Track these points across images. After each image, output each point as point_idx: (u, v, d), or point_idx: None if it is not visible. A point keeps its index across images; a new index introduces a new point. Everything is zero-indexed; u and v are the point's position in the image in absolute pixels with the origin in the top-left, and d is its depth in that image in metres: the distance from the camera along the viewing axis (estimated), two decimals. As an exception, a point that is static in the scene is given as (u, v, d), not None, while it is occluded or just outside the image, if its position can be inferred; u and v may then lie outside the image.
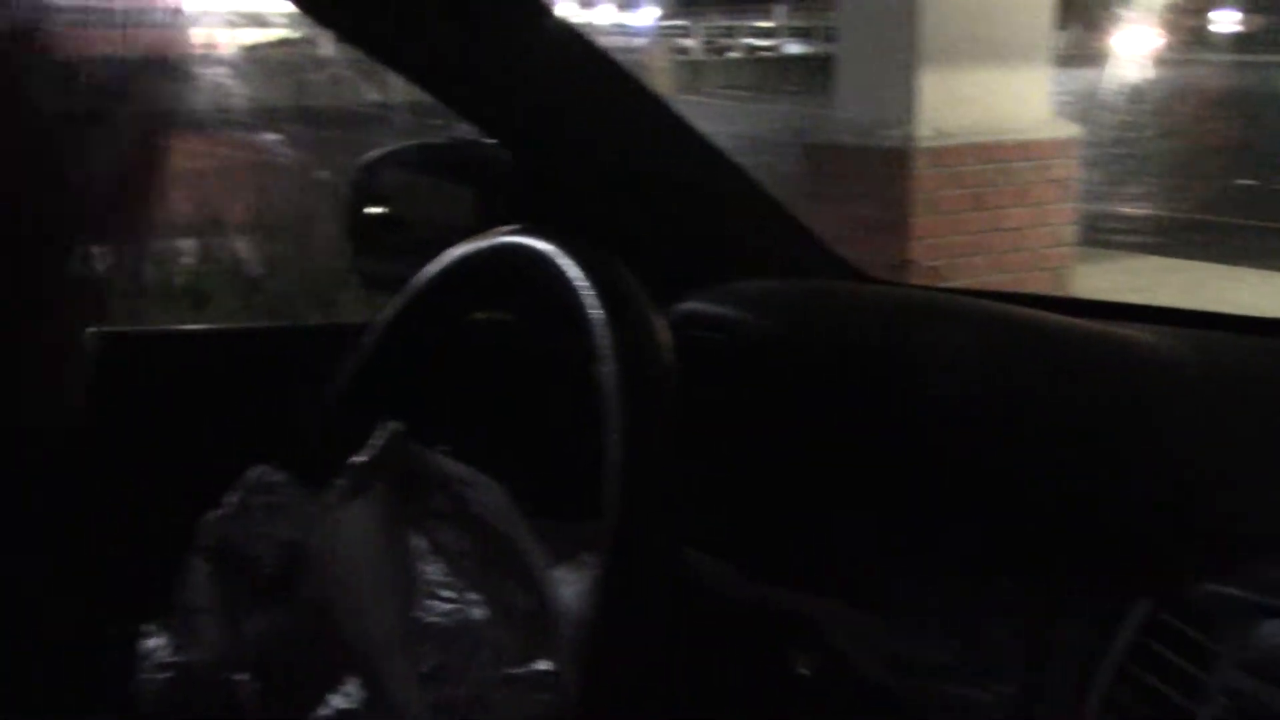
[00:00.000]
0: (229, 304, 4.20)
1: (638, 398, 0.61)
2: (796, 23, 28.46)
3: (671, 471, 0.60)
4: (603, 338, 0.63)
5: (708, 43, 26.56)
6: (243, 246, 4.72)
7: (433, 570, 0.66)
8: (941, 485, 0.81)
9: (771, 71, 24.48)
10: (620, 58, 1.15)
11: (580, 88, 1.08)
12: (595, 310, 0.65)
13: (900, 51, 4.91)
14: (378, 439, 0.70)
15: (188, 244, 4.77)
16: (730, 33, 27.48)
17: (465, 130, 1.21)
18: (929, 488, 0.82)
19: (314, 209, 4.75)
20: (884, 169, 4.98)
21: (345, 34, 1.03)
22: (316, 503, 0.73)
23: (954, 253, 5.02)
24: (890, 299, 0.95)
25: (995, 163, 5.10)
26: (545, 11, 1.06)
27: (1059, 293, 5.30)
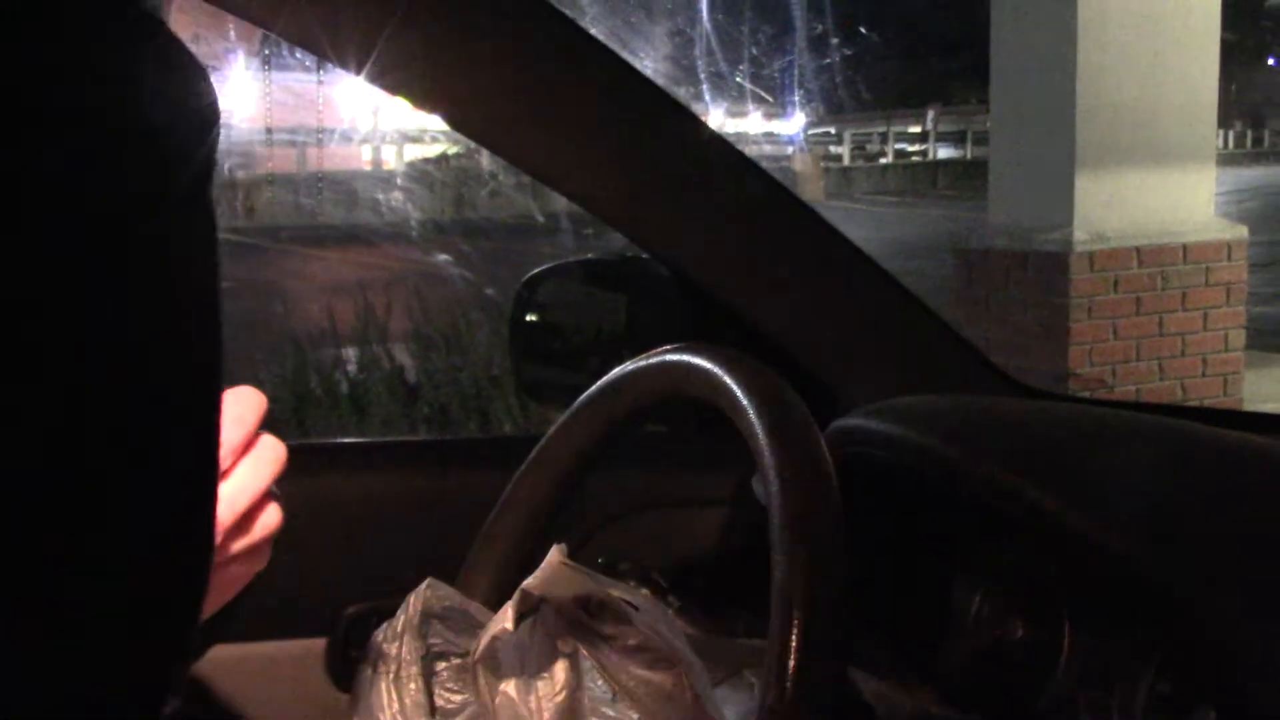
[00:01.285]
0: (387, 412, 4.33)
1: (804, 520, 0.61)
2: (946, 127, 28.43)
3: (838, 594, 0.60)
4: (767, 457, 0.64)
5: (857, 148, 26.68)
6: (402, 356, 4.88)
7: (598, 691, 0.67)
8: (1118, 609, 0.78)
9: (922, 176, 24.45)
10: (770, 165, 1.17)
11: (734, 202, 1.10)
12: (759, 429, 0.65)
13: (1057, 154, 4.86)
14: (548, 561, 0.72)
15: (349, 353, 4.95)
16: (880, 138, 27.57)
17: (620, 243, 1.24)
18: (1104, 611, 0.79)
19: (473, 320, 4.89)
20: (1040, 274, 4.89)
21: (503, 153, 1.08)
22: (485, 621, 0.75)
23: (1115, 359, 4.89)
24: (1059, 416, 0.93)
25: (1157, 266, 4.97)
26: (698, 124, 1.08)
27: (1227, 401, 5.10)
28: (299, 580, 0.81)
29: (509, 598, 0.89)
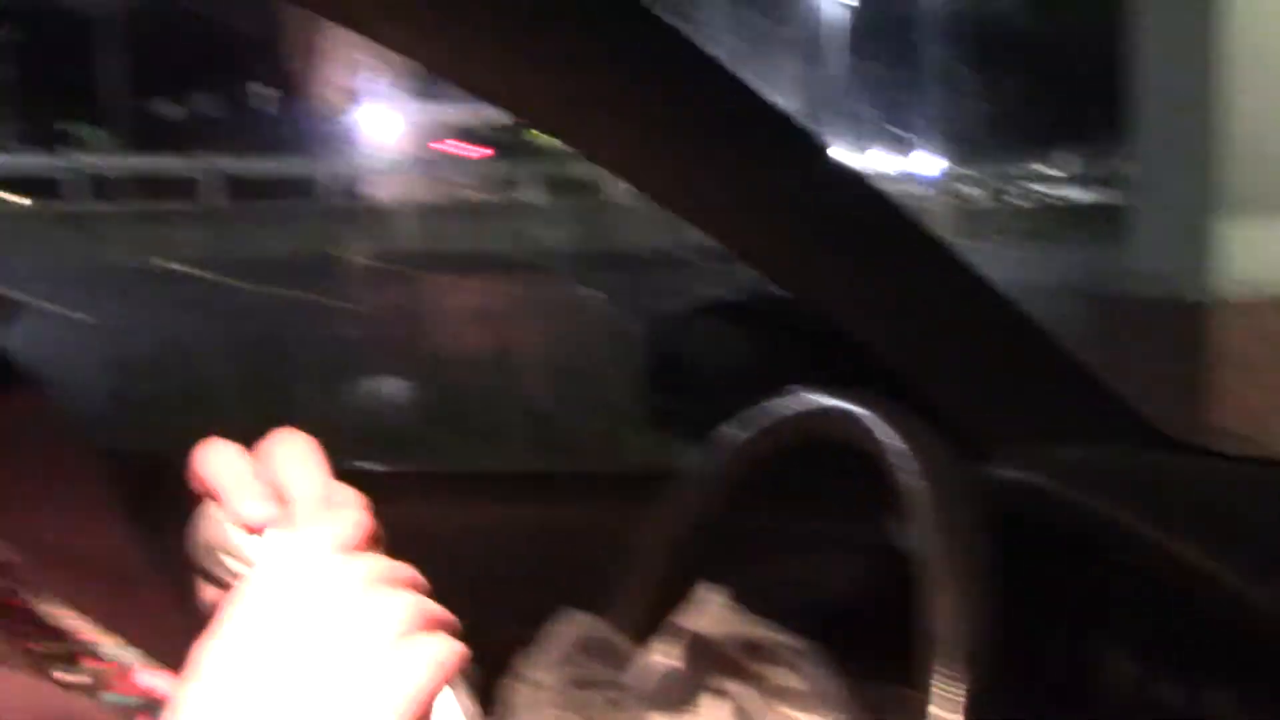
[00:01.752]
0: (518, 440, 4.39)
1: (953, 570, 0.60)
2: (1086, 170, 27.80)
3: (989, 645, 0.59)
4: (917, 507, 0.63)
5: (994, 190, 26.24)
6: (534, 385, 4.93)
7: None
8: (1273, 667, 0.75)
9: (1059, 219, 23.91)
10: (905, 204, 1.16)
11: (878, 245, 1.10)
12: (909, 479, 0.65)
13: (1201, 198, 4.72)
14: (696, 599, 0.72)
15: (480, 382, 5.03)
16: (1016, 180, 27.08)
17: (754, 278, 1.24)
18: (1272, 692, 0.77)
19: (607, 350, 4.94)
20: (1182, 323, 4.74)
21: (646, 190, 1.08)
22: (630, 653, 0.75)
23: (1262, 414, 4.70)
24: (1226, 476, 0.91)
25: (1306, 317, 4.77)
26: (840, 165, 1.08)
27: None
28: None
29: (651, 632, 0.89)
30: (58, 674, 0.58)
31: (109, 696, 0.59)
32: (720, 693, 0.69)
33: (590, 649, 0.78)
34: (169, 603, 0.67)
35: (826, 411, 0.77)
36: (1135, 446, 1.07)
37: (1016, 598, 0.66)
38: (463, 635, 0.82)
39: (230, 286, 11.29)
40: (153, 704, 0.60)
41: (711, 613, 0.70)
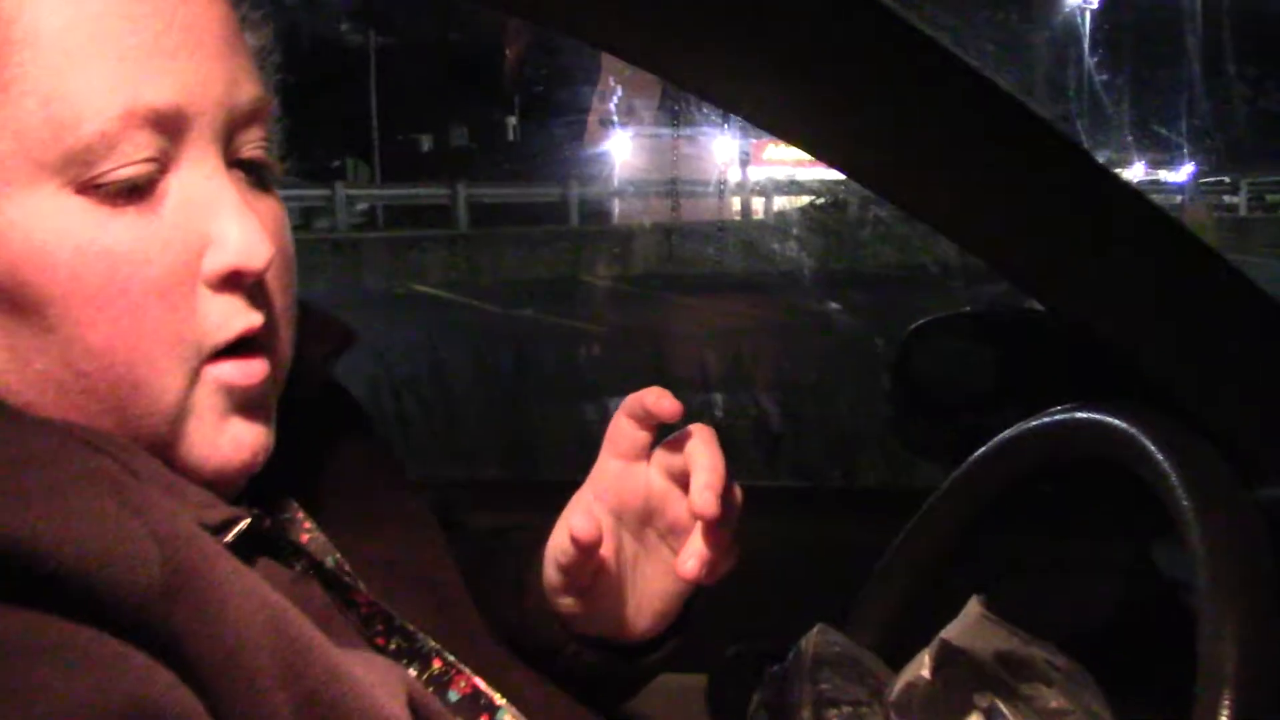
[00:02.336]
0: (753, 459, 4.41)
1: (1234, 592, 0.57)
2: (1366, 174, 25.74)
3: (1273, 672, 0.56)
4: (1193, 524, 0.61)
5: (1255, 198, 24.61)
6: (771, 404, 4.94)
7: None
8: None
9: (1334, 229, 22.22)
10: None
11: (1145, 254, 1.05)
12: (1183, 493, 0.62)
13: None
14: (969, 612, 0.71)
15: (720, 398, 5.06)
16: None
17: (1007, 295, 1.21)
18: None
19: (844, 370, 4.92)
20: None
21: (906, 205, 1.07)
22: (876, 669, 0.75)
23: None
24: None
25: None
26: (1103, 172, 1.04)
27: None
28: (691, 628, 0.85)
29: (895, 647, 0.88)
30: (411, 669, 0.64)
31: (452, 694, 0.64)
32: (983, 710, 0.68)
33: (836, 664, 0.78)
34: (473, 613, 0.73)
35: (1086, 425, 0.75)
36: None
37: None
38: (701, 643, 0.84)
39: (480, 309, 11.75)
40: (485, 705, 0.65)
41: (975, 627, 0.69)
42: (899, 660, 0.85)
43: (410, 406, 4.96)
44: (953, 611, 1.11)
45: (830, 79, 0.99)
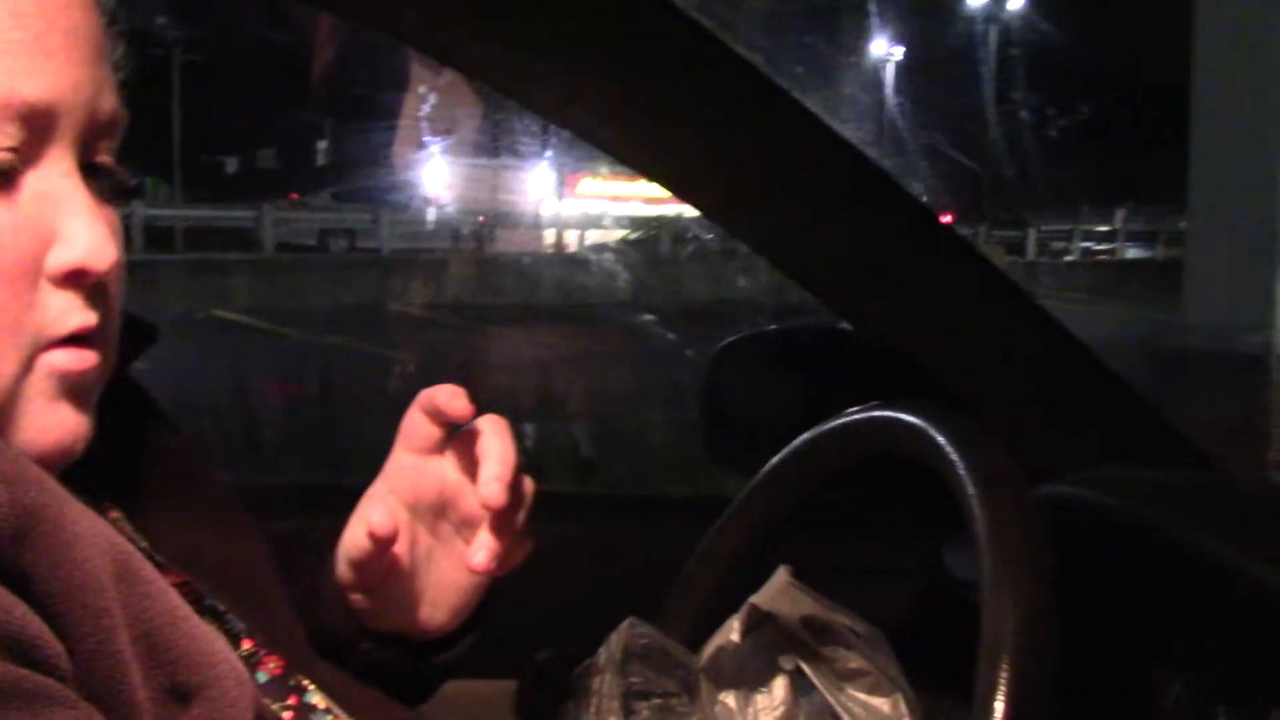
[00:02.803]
0: (615, 472, 4.52)
1: (1014, 569, 0.61)
2: (1136, 227, 27.60)
3: (1049, 643, 0.60)
4: (978, 508, 0.65)
5: (1043, 245, 26.09)
6: (582, 430, 4.99)
7: (816, 709, 0.68)
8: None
9: (1109, 275, 23.74)
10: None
11: (939, 271, 1.12)
12: (969, 481, 0.66)
13: (1258, 254, 4.69)
14: (777, 579, 0.74)
15: (530, 428, 5.08)
16: (1066, 235, 26.92)
17: (824, 318, 1.26)
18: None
19: (655, 394, 5.02)
20: (1239, 375, 4.70)
21: (719, 220, 1.11)
22: (687, 661, 0.77)
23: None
24: (1272, 493, 0.91)
25: (1366, 371, 4.72)
26: (904, 194, 1.10)
27: None
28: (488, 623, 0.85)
29: (699, 648, 0.91)
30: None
31: (261, 675, 0.66)
32: (788, 671, 0.71)
33: (646, 657, 0.79)
34: (283, 604, 0.73)
35: (883, 423, 0.79)
36: (1189, 471, 1.07)
37: (1073, 610, 0.67)
38: (509, 650, 0.85)
39: (284, 335, 11.46)
40: (294, 686, 0.67)
41: (782, 593, 0.72)
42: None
43: (208, 430, 4.84)
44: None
45: (648, 94, 1.02)
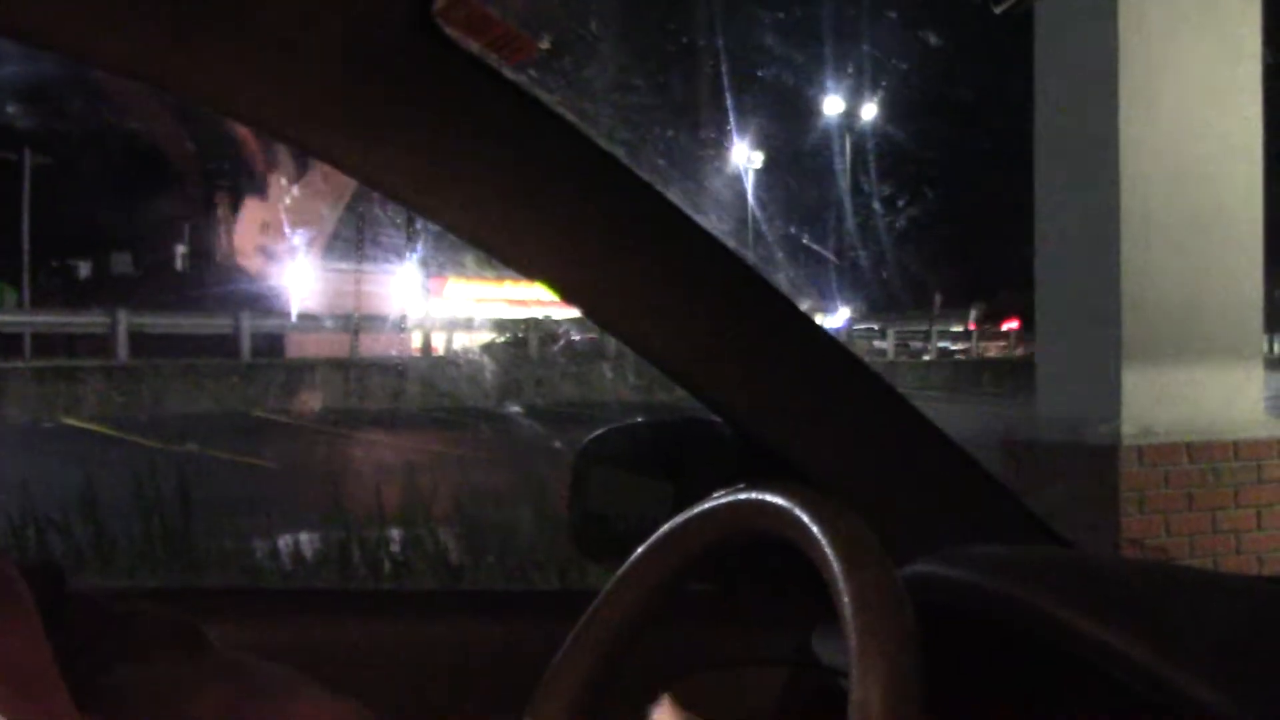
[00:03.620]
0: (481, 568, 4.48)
1: (881, 641, 0.62)
2: (992, 326, 28.65)
3: (916, 714, 0.61)
4: (842, 583, 0.65)
5: (901, 345, 26.90)
6: (449, 534, 4.93)
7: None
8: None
9: (965, 373, 24.55)
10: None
11: (796, 359, 1.14)
12: (834, 557, 0.67)
13: (1103, 348, 4.90)
14: (662, 713, 0.73)
15: (396, 533, 5.00)
16: (923, 335, 27.81)
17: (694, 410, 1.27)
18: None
19: (522, 494, 5.01)
20: (1089, 466, 4.87)
21: (576, 303, 1.12)
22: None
23: (1168, 554, 4.80)
24: (1137, 567, 0.94)
25: (1208, 462, 4.93)
26: (763, 282, 1.12)
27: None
28: None
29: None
30: None
31: None
32: None
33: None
34: (59, 695, 0.68)
35: (748, 505, 0.79)
36: (1048, 548, 1.10)
37: (935, 693, 0.68)
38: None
39: (136, 444, 11.09)
40: None
41: None
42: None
43: (54, 541, 4.65)
44: (627, 709, 1.13)
45: (505, 181, 1.03)
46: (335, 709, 0.73)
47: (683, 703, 1.10)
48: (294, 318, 19.89)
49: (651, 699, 1.17)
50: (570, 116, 1.04)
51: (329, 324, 18.83)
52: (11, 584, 0.71)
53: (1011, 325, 28.75)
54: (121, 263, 26.63)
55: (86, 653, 0.78)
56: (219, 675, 0.77)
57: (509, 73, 1.02)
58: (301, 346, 19.20)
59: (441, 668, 1.17)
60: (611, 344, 16.25)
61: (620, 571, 0.90)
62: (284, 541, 5.09)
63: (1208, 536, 4.93)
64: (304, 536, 5.11)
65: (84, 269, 27.32)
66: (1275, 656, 0.73)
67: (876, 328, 27.39)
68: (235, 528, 5.20)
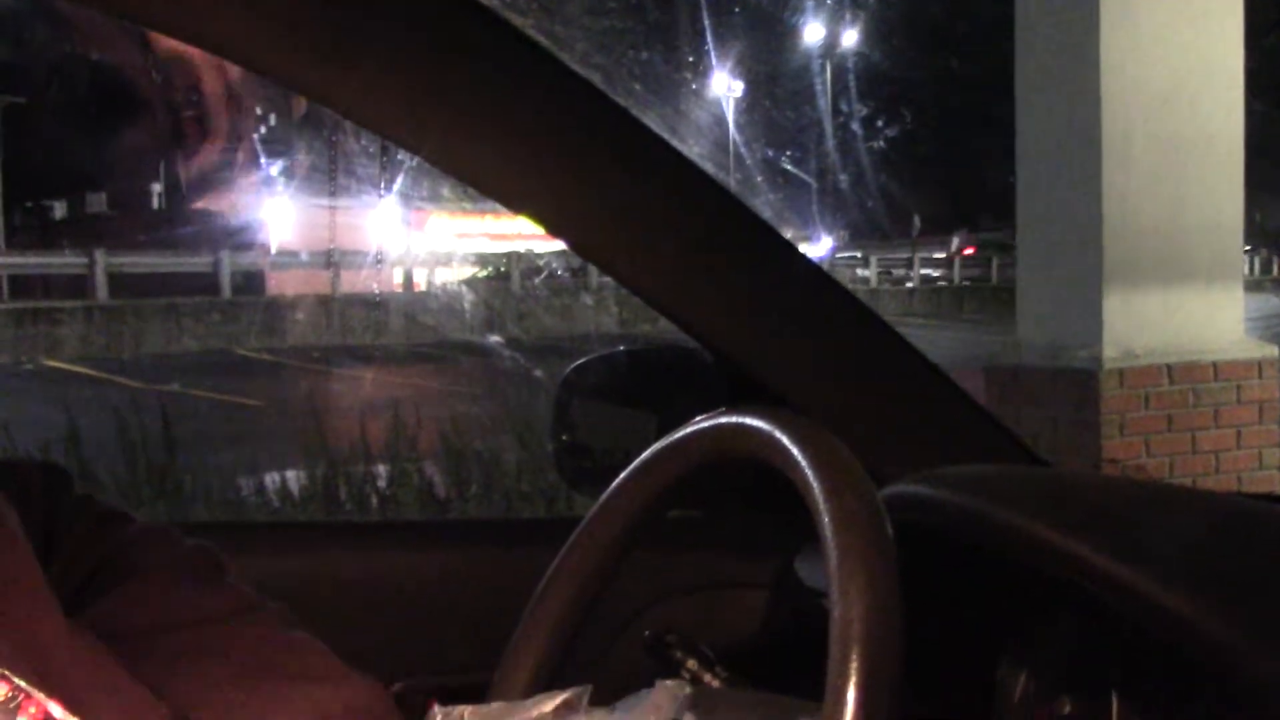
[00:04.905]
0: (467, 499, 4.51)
1: (861, 559, 0.62)
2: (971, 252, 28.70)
3: (897, 631, 0.61)
4: (822, 503, 0.66)
5: (884, 272, 26.90)
6: (435, 469, 4.95)
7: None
8: (1169, 684, 0.79)
9: (947, 300, 24.62)
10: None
11: (776, 283, 1.14)
12: (813, 477, 0.67)
13: (1084, 272, 4.91)
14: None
15: (383, 468, 5.01)
16: (906, 263, 27.81)
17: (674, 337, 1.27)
18: (1155, 687, 0.80)
19: (505, 426, 5.05)
20: (1071, 390, 4.90)
21: (559, 232, 1.11)
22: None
23: (1147, 472, 4.86)
24: (1109, 483, 0.95)
25: (1188, 383, 4.97)
26: (742, 207, 1.12)
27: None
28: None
29: (554, 672, 0.90)
30: None
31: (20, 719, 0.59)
32: None
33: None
34: (52, 625, 0.67)
35: (727, 428, 0.79)
36: (1026, 467, 1.11)
37: (912, 614, 0.68)
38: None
39: (118, 384, 11.06)
40: None
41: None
42: (561, 684, 0.86)
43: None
44: (611, 632, 1.15)
45: (480, 109, 1.02)
46: (352, 683, 0.73)
47: (665, 625, 1.11)
48: (273, 254, 19.75)
49: (638, 618, 1.19)
50: (545, 43, 1.03)
51: (309, 260, 18.71)
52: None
53: (968, 253, 28.85)
54: (96, 202, 26.36)
55: (87, 560, 0.77)
56: (240, 616, 0.76)
57: (482, -2, 1.01)
58: (282, 283, 19.08)
59: (429, 598, 1.18)
60: (594, 276, 16.21)
61: (602, 499, 0.90)
62: (270, 478, 5.10)
63: (1188, 457, 4.99)
64: (290, 473, 5.11)
65: (59, 210, 27.04)
66: (1244, 564, 0.74)
67: (859, 255, 27.39)
68: (220, 465, 5.20)
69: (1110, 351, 4.86)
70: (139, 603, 0.75)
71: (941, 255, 29.04)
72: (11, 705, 0.59)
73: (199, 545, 0.81)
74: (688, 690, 0.75)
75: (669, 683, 0.76)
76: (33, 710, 0.60)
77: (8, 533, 0.68)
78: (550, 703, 0.75)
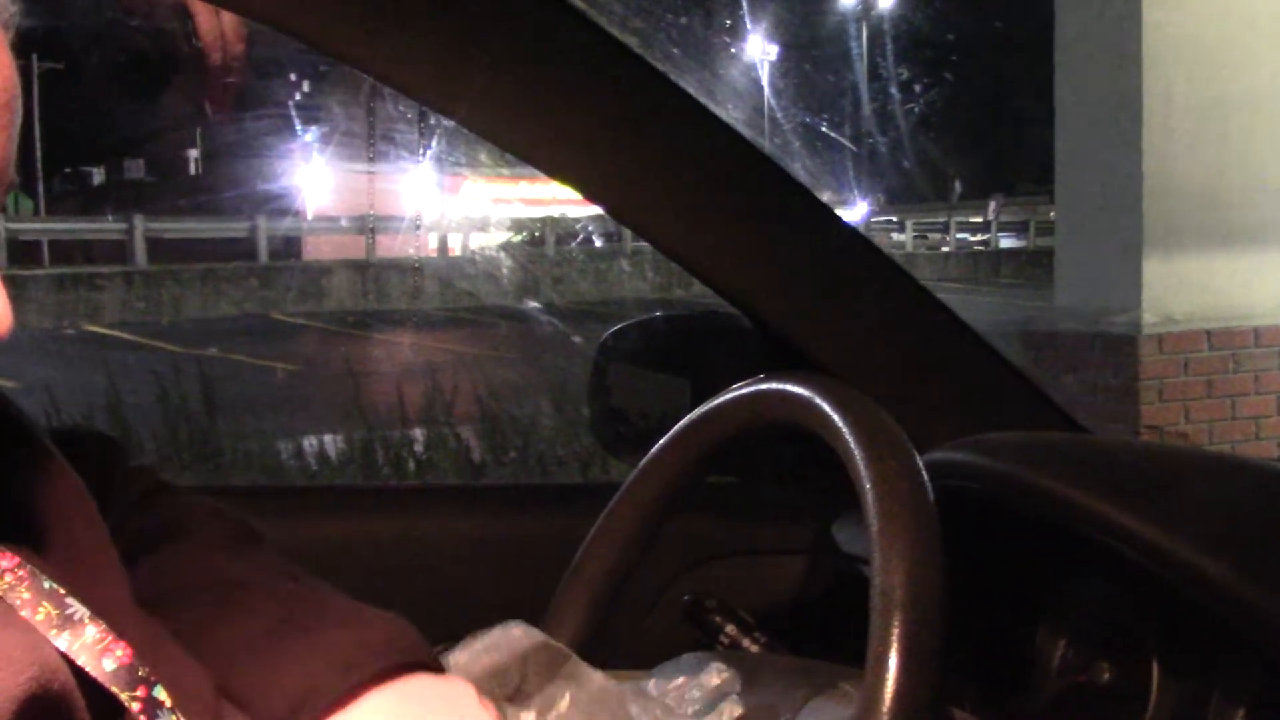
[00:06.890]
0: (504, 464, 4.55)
1: (903, 526, 0.63)
2: (1008, 217, 28.40)
3: (939, 597, 0.62)
4: (864, 470, 0.66)
5: (920, 237, 26.69)
6: (471, 434, 4.98)
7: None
8: (1208, 650, 0.78)
9: (984, 264, 24.41)
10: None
11: (817, 250, 1.13)
12: (855, 445, 0.67)
13: (1124, 236, 4.85)
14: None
15: (420, 432, 5.05)
16: (942, 227, 27.58)
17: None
18: (1193, 653, 0.80)
19: (541, 392, 5.08)
20: (1109, 356, 4.86)
21: (599, 200, 1.11)
22: (566, 662, 0.76)
23: (1186, 442, 4.82)
24: (1147, 450, 0.94)
25: (1228, 349, 4.92)
26: (783, 174, 1.12)
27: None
28: None
29: (596, 634, 0.90)
30: (61, 638, 0.61)
31: (108, 662, 0.62)
32: None
33: (529, 659, 0.78)
34: (122, 585, 0.70)
35: (770, 395, 0.79)
36: (1066, 434, 1.11)
37: (960, 570, 0.68)
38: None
39: (158, 349, 11.17)
40: (138, 676, 0.63)
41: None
42: (599, 649, 0.87)
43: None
44: (650, 597, 1.16)
45: (524, 78, 1.02)
46: (380, 619, 0.75)
47: (703, 590, 1.12)
48: (310, 219, 19.82)
49: (676, 582, 1.19)
50: (583, 6, 1.03)
51: (345, 225, 18.76)
52: (65, 473, 0.73)
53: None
54: (134, 168, 26.54)
55: (132, 529, 0.80)
56: (275, 578, 0.78)
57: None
58: (318, 248, 19.16)
59: (466, 562, 1.19)
60: (629, 241, 16.18)
61: (641, 464, 0.91)
62: (308, 442, 5.14)
63: (1227, 423, 4.94)
64: (327, 437, 5.16)
65: (97, 176, 27.24)
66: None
67: (895, 219, 27.17)
68: (260, 429, 5.25)
69: (1149, 316, 4.81)
70: (178, 567, 0.78)
71: (978, 219, 28.79)
72: (100, 646, 0.62)
73: (239, 519, 0.85)
74: (725, 675, 0.76)
75: (713, 665, 0.77)
76: (119, 653, 0.63)
77: (90, 507, 0.72)
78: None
